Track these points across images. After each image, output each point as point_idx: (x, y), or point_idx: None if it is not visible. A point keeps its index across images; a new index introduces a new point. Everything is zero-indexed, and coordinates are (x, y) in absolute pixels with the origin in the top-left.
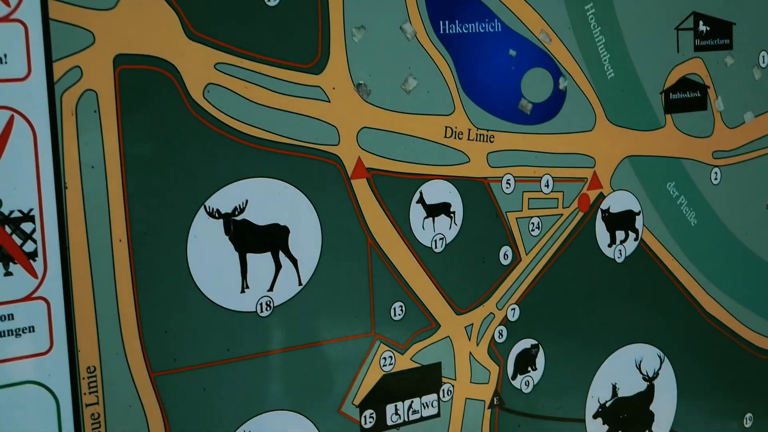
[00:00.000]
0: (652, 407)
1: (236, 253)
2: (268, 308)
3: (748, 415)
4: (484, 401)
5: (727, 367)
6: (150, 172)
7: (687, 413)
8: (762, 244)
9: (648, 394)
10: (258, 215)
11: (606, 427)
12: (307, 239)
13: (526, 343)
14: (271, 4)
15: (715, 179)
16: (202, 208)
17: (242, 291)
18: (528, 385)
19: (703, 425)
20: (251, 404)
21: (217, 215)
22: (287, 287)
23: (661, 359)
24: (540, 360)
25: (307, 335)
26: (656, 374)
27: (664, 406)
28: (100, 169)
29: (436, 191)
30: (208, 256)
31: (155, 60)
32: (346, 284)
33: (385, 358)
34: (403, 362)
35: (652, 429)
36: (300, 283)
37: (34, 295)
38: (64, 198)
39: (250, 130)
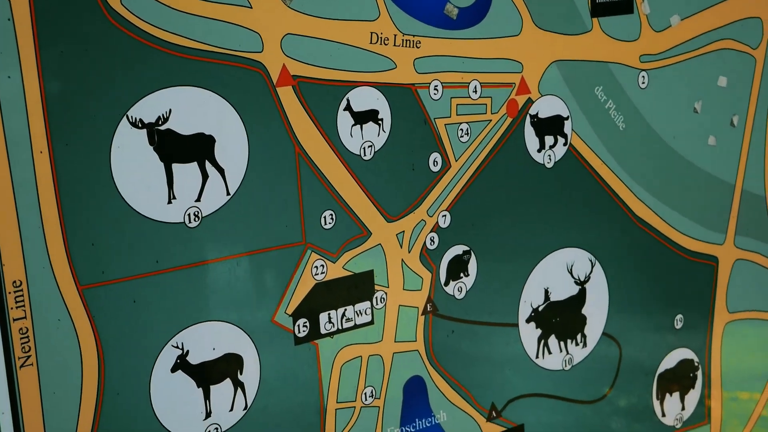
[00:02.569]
0: (584, 311)
1: (161, 164)
2: (197, 219)
3: (679, 316)
4: (418, 308)
5: (658, 270)
6: (69, 82)
7: (618, 316)
8: (690, 147)
9: (580, 298)
10: (182, 125)
11: (539, 330)
12: (233, 148)
13: (457, 250)
14: None
15: (643, 83)
16: (125, 118)
17: (169, 202)
18: (461, 291)
19: (635, 327)
20: (183, 316)
21: (140, 125)
22: (215, 197)
23: (592, 263)
24: (472, 266)
25: (237, 245)
26: (588, 278)
27: (596, 310)
28: (16, 79)
29: (364, 98)
30: (133, 167)
31: None
32: (275, 193)
33: (316, 267)
34: (335, 271)
35: (585, 332)
36: (228, 193)
37: None
38: None
39: (171, 38)
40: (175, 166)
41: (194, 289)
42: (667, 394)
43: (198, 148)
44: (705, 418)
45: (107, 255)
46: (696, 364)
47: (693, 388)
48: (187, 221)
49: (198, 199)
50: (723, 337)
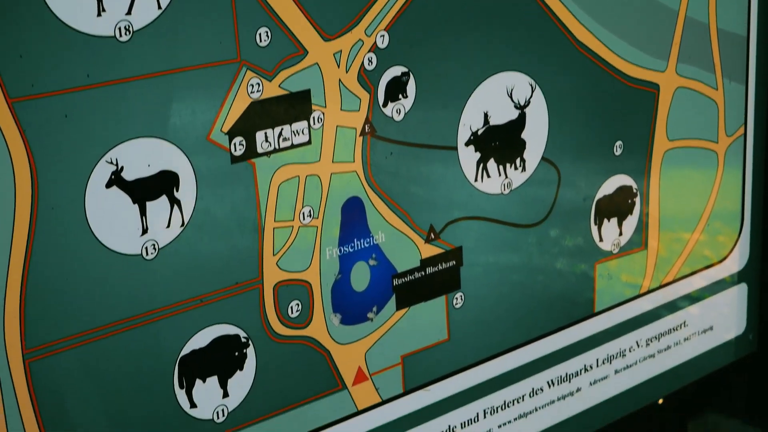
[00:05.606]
0: (523, 135)
1: None
2: (128, 32)
3: (618, 142)
4: (356, 129)
5: (599, 96)
6: None
7: (558, 141)
8: None
9: (519, 123)
10: None
11: (478, 154)
12: None
13: (396, 71)
14: None
15: None
16: None
17: (98, 14)
18: (399, 113)
19: (574, 153)
20: (116, 131)
21: None
22: (146, 11)
23: (532, 87)
24: (411, 87)
25: (170, 61)
26: (527, 102)
27: (536, 135)
28: None
29: None
30: None
31: None
32: (208, 9)
33: (252, 85)
34: (271, 89)
35: (524, 156)
36: (159, 7)
37: None
38: None
39: None
40: None
41: (127, 105)
42: (605, 220)
43: None
44: (642, 244)
45: (36, 67)
46: (634, 190)
47: (631, 214)
48: (117, 35)
49: (129, 12)
50: (662, 165)
